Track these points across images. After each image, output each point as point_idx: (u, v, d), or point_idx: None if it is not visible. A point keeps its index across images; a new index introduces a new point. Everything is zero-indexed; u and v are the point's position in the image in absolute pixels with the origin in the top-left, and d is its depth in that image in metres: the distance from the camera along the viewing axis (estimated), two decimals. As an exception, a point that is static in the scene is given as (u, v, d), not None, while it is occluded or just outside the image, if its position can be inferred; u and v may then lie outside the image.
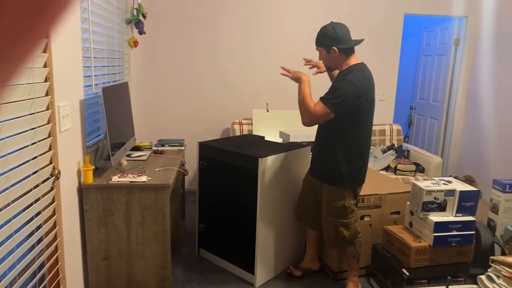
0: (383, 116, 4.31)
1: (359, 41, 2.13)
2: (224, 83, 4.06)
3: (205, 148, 2.67)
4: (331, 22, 2.13)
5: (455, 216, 2.22)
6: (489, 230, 2.39)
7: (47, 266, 1.69)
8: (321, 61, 2.22)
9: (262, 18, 3.98)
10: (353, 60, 2.13)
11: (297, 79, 2.19)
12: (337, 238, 2.24)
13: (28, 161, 1.49)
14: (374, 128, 4.05)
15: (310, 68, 2.42)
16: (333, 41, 2.08)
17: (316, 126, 2.28)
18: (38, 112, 1.55)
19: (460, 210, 2.22)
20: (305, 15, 4.00)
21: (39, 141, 1.57)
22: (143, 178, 2.15)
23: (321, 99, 2.09)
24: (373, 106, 2.15)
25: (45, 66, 1.61)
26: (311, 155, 2.39)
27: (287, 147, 2.59)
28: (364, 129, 2.16)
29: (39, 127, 1.56)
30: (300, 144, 2.69)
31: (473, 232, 2.24)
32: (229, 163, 2.52)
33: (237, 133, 3.81)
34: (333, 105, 2.05)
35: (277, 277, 2.61)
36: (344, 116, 2.08)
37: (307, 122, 2.12)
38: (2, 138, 1.32)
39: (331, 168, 2.19)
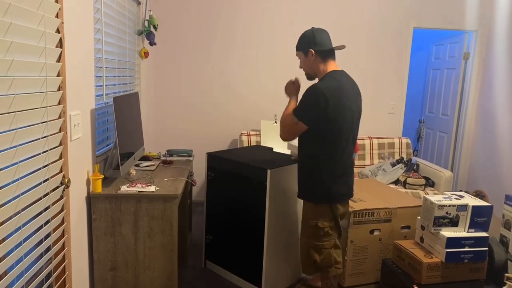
0: (392, 129, 4.28)
1: (339, 47, 2.01)
2: (233, 95, 4.07)
3: (213, 159, 2.66)
4: (312, 27, 2.07)
5: (468, 232, 2.18)
6: (502, 246, 2.34)
7: (54, 275, 1.67)
8: (301, 68, 2.14)
9: (271, 31, 4.00)
10: (331, 67, 2.03)
11: (290, 93, 2.16)
12: (308, 262, 2.15)
13: (39, 169, 1.49)
14: (383, 141, 4.03)
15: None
16: (310, 44, 2.01)
17: None
18: (50, 121, 1.56)
19: (473, 225, 2.18)
20: (314, 28, 4.02)
21: (51, 149, 1.57)
22: (152, 188, 2.15)
23: (292, 111, 2.03)
24: (350, 117, 1.97)
25: (58, 75, 1.63)
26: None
27: (296, 159, 2.57)
28: (340, 143, 1.98)
29: (51, 135, 1.57)
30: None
31: (486, 248, 2.19)
32: (238, 174, 2.50)
33: (245, 144, 3.80)
34: (300, 115, 1.96)
35: (284, 291, 2.57)
36: (315, 126, 1.96)
37: (281, 136, 2.08)
38: (15, 145, 1.32)
39: (305, 184, 2.11)
